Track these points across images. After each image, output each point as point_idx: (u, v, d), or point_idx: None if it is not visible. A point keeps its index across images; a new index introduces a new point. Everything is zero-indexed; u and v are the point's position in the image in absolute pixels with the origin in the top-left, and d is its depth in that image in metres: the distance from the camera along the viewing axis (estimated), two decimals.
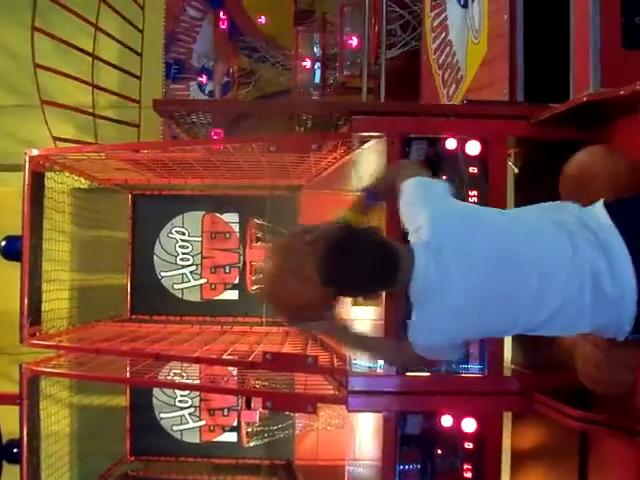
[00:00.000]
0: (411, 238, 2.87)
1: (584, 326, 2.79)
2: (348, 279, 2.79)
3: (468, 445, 3.92)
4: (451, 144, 3.90)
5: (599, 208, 2.81)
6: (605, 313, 2.72)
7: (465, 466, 3.92)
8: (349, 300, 4.17)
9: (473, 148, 3.86)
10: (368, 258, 2.76)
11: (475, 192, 3.87)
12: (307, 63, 7.91)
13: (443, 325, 2.82)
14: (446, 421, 3.93)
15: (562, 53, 3.97)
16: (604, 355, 3.15)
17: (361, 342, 3.31)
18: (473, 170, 3.87)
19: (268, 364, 4.24)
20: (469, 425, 3.90)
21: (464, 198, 3.78)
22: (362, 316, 4.31)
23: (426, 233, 2.81)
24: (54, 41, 7.14)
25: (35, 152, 5.54)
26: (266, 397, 4.32)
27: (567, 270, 2.71)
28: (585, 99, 3.41)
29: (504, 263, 2.75)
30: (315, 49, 7.93)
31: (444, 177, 3.80)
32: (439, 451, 3.97)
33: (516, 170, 3.58)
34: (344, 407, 3.94)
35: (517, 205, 4.06)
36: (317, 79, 7.93)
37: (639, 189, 3.19)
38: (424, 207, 2.88)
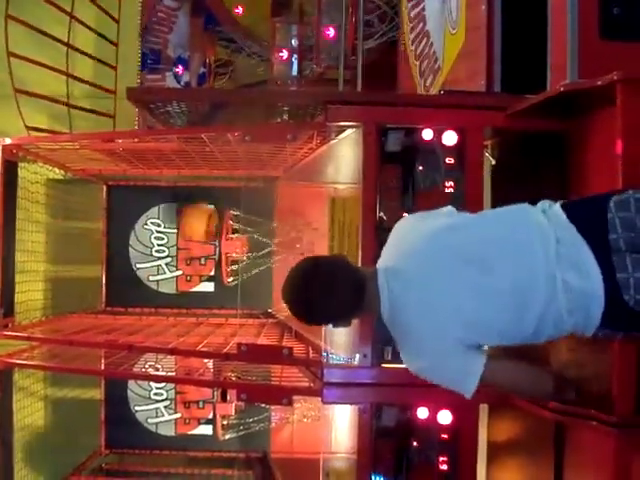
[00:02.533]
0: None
1: (567, 325, 2.62)
2: (316, 308, 2.68)
3: (444, 437, 3.90)
4: (428, 134, 3.88)
5: (557, 209, 2.67)
6: (576, 308, 2.57)
7: (441, 458, 3.91)
8: None
9: (450, 138, 3.84)
10: (334, 285, 2.64)
11: (451, 183, 3.86)
12: (284, 54, 7.86)
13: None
14: (422, 413, 3.91)
15: (540, 44, 3.95)
16: (583, 355, 3.16)
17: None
18: (450, 161, 3.85)
19: (243, 356, 4.21)
20: (445, 417, 3.89)
21: (440, 189, 3.77)
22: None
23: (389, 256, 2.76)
24: (28, 30, 7.05)
25: (8, 141, 5.49)
26: (241, 389, 4.29)
27: (543, 271, 2.58)
28: (562, 89, 3.40)
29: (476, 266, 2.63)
30: (292, 40, 7.87)
31: (420, 167, 3.79)
32: (415, 443, 3.96)
33: (493, 161, 3.56)
34: (319, 399, 3.92)
35: (493, 196, 4.06)
36: (294, 71, 7.88)
37: None
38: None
